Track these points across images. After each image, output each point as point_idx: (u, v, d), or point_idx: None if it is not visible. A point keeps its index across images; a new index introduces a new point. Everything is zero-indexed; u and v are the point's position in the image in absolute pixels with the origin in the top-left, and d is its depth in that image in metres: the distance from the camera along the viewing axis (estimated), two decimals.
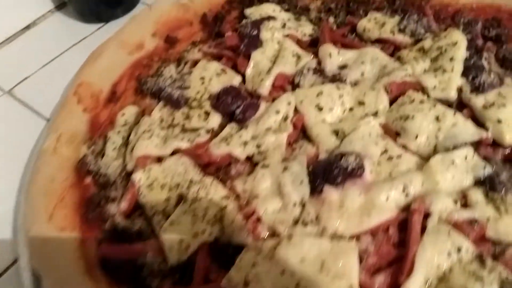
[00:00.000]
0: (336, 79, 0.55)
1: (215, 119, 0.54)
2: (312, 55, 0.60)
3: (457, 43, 0.54)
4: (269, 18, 0.63)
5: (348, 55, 0.58)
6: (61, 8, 0.81)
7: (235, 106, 0.54)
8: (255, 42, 0.60)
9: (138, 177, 0.49)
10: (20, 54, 0.74)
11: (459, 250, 0.39)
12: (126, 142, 0.54)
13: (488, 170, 0.44)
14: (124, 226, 0.47)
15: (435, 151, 0.47)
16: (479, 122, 0.48)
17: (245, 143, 0.51)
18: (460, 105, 0.51)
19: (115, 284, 0.42)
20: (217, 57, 0.62)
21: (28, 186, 0.49)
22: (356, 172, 0.45)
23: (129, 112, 0.58)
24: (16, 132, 0.61)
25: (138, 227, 0.47)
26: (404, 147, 0.48)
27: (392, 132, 0.50)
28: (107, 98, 0.59)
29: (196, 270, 0.43)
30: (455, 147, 0.46)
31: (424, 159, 0.46)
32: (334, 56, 0.58)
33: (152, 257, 0.44)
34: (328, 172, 0.45)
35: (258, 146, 0.50)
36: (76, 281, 0.41)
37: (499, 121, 0.46)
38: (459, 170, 0.44)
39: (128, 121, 0.57)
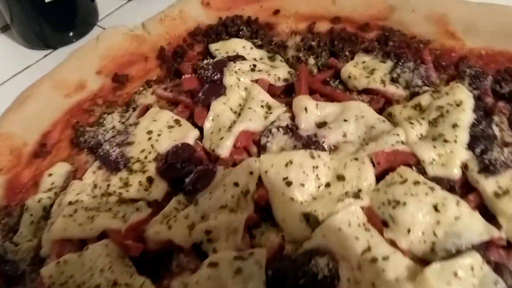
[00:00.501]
0: (311, 141, 0.45)
1: (160, 188, 0.44)
2: (285, 107, 0.49)
3: (462, 103, 0.44)
4: (236, 57, 0.52)
5: (328, 110, 0.48)
6: (4, 30, 0.70)
7: (185, 172, 0.43)
8: (217, 89, 0.50)
9: (49, 273, 0.38)
10: None
11: None
12: (47, 215, 0.43)
13: (500, 286, 0.33)
14: None
15: (432, 251, 0.36)
16: (489, 212, 0.38)
17: (192, 227, 0.40)
18: (465, 185, 0.40)
19: None
20: (171, 103, 0.52)
21: None
22: (329, 283, 0.34)
23: (58, 171, 0.47)
24: None
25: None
26: (393, 243, 0.37)
27: (378, 221, 0.39)
28: (33, 153, 0.48)
29: None
30: (458, 251, 0.35)
31: (418, 262, 0.36)
32: (311, 111, 0.47)
33: None
34: (293, 281, 0.34)
35: (208, 232, 0.39)
36: None
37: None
38: (462, 285, 0.33)
39: (56, 184, 0.46)
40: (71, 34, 0.67)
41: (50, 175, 0.47)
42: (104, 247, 0.39)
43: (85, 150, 0.49)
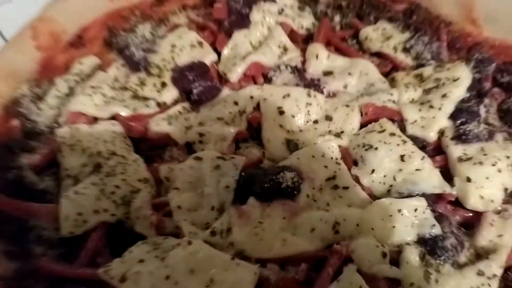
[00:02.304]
0: (312, 84, 0.49)
1: (170, 94, 0.50)
2: (300, 53, 0.53)
3: (458, 80, 0.47)
4: None
5: (337, 62, 0.52)
6: None
7: (195, 85, 0.49)
8: (243, 22, 0.54)
9: (63, 133, 0.44)
10: None
11: None
12: (70, 93, 0.49)
13: (436, 230, 0.38)
14: (30, 181, 0.43)
15: (388, 192, 0.41)
16: (449, 175, 0.41)
17: (189, 128, 0.45)
18: (437, 150, 0.44)
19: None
20: (201, 28, 0.57)
21: None
22: (288, 192, 0.39)
23: (88, 62, 0.53)
24: None
25: (44, 186, 0.43)
26: (357, 179, 0.42)
27: (350, 159, 0.44)
28: (69, 42, 0.54)
29: (85, 249, 0.39)
30: (409, 195, 0.40)
31: (373, 198, 0.40)
32: (321, 59, 0.51)
33: (45, 222, 0.40)
34: (259, 184, 0.39)
35: (202, 135, 0.45)
36: None
37: (468, 180, 0.40)
38: (403, 222, 0.38)
39: (83, 71, 0.53)
40: None
41: (80, 63, 0.53)
42: (111, 125, 0.46)
43: (115, 50, 0.55)
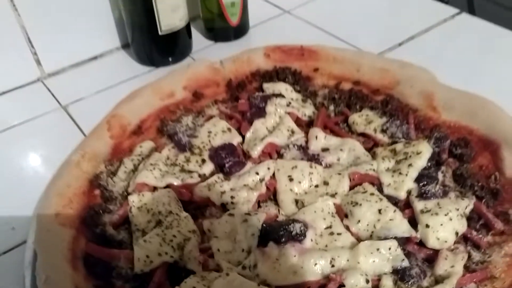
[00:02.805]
0: (314, 158, 0.66)
1: (208, 167, 0.66)
2: (304, 134, 0.71)
3: (421, 153, 0.63)
4: (278, 95, 0.75)
5: (332, 141, 0.69)
6: (125, 47, 0.98)
7: (227, 161, 0.66)
8: (261, 113, 0.72)
9: (133, 199, 0.61)
10: (82, 78, 0.91)
11: None
12: (135, 169, 0.67)
13: (405, 263, 0.52)
14: (110, 234, 0.59)
15: (370, 236, 0.56)
16: (414, 223, 0.57)
17: (223, 193, 0.62)
18: (406, 205, 0.60)
19: (88, 277, 0.54)
20: (229, 117, 0.75)
21: (49, 186, 0.63)
22: (297, 237, 0.54)
23: (146, 146, 0.71)
24: (59, 141, 0.75)
25: (121, 238, 0.59)
26: (347, 227, 0.57)
27: (342, 213, 0.59)
28: (132, 131, 0.72)
29: (152, 282, 0.53)
30: (385, 238, 0.55)
31: (359, 241, 0.55)
32: (320, 139, 0.68)
33: (123, 263, 0.55)
34: (276, 232, 0.55)
35: (233, 198, 0.61)
36: (60, 265, 0.52)
37: (427, 226, 0.55)
38: (381, 258, 0.53)
39: (143, 153, 0.70)
40: (170, 59, 0.92)
41: (140, 146, 0.70)
42: (167, 192, 0.62)
43: (166, 136, 0.73)
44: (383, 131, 0.69)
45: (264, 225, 0.56)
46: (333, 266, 0.52)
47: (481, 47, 0.91)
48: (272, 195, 0.63)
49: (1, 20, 0.82)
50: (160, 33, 0.87)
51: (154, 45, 0.90)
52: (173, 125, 0.73)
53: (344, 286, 0.51)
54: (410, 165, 0.62)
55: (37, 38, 0.87)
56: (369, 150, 0.68)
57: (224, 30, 0.98)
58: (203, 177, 0.65)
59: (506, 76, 0.82)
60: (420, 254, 0.54)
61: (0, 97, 0.88)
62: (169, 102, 0.77)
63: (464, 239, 0.56)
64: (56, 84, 0.90)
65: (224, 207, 0.61)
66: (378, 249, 0.53)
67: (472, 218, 0.57)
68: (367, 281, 0.51)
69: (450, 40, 0.93)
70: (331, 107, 0.75)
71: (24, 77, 0.90)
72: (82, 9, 0.89)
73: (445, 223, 0.55)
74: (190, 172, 0.66)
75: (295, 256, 0.53)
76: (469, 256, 0.54)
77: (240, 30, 0.99)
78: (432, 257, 0.54)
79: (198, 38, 0.99)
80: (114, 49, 0.98)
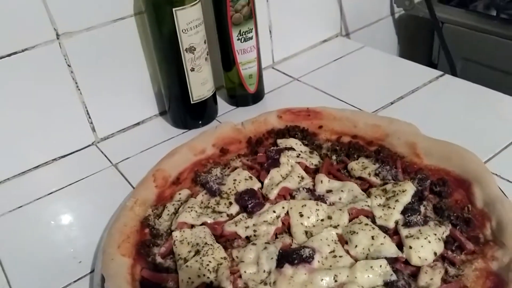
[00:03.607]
0: (320, 198, 0.81)
1: (235, 208, 0.82)
2: (311, 179, 0.87)
3: (406, 191, 0.78)
4: (290, 148, 0.92)
5: (334, 184, 0.84)
6: (162, 114, 1.18)
7: (249, 202, 0.82)
8: (276, 163, 0.89)
9: (176, 234, 0.77)
10: (129, 141, 1.10)
11: None
12: (176, 212, 0.83)
13: (393, 277, 0.65)
14: (159, 262, 0.74)
15: (366, 257, 0.70)
16: (401, 246, 0.71)
17: (247, 228, 0.77)
18: (394, 232, 0.74)
19: None
20: (250, 168, 0.91)
21: (111, 226, 0.79)
22: (307, 259, 0.69)
23: (184, 193, 0.87)
24: (112, 193, 0.93)
25: (168, 265, 0.74)
26: (347, 251, 0.71)
27: (343, 240, 0.73)
28: (172, 181, 0.89)
29: None
30: (378, 258, 0.68)
31: (357, 261, 0.69)
32: (324, 183, 0.84)
33: (171, 285, 0.70)
34: (290, 256, 0.70)
35: (255, 231, 0.76)
36: (123, 286, 0.68)
37: (410, 247, 0.69)
38: (374, 273, 0.66)
39: (182, 199, 0.86)
40: (200, 122, 1.11)
41: (179, 193, 0.87)
42: (203, 228, 0.77)
43: (199, 185, 0.90)
44: (376, 174, 0.84)
45: (280, 251, 0.71)
46: (336, 281, 0.66)
47: (461, 104, 1.08)
48: (286, 229, 0.78)
49: (69, 99, 1.02)
50: (192, 102, 1.07)
51: (187, 112, 1.10)
52: (204, 175, 0.89)
53: None
54: (397, 200, 0.76)
55: (93, 110, 1.07)
56: (365, 190, 0.83)
57: (243, 97, 1.17)
58: (231, 216, 0.81)
59: (480, 127, 0.98)
60: (406, 271, 0.68)
61: (62, 159, 1.07)
62: (201, 157, 0.94)
63: (441, 258, 0.69)
64: (107, 146, 1.09)
65: (248, 239, 0.76)
66: (371, 267, 0.67)
67: (449, 241, 0.71)
68: None
69: (435, 98, 1.10)
70: (334, 157, 0.91)
71: (82, 142, 1.09)
72: (128, 86, 1.10)
73: (425, 245, 0.69)
74: (220, 212, 0.82)
75: (305, 274, 0.67)
76: (446, 271, 0.67)
77: (257, 96, 1.18)
78: (416, 273, 0.67)
79: (222, 104, 1.18)
80: (154, 116, 1.17)
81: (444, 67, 1.28)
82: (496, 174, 0.85)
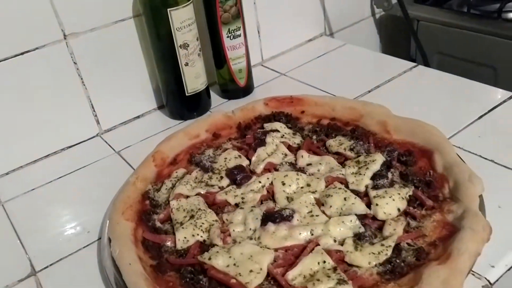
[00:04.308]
0: (300, 170, 0.92)
1: (225, 181, 0.92)
2: (294, 156, 0.97)
3: (376, 160, 0.88)
4: (275, 130, 1.02)
5: (314, 159, 0.94)
6: (160, 108, 1.29)
7: (238, 176, 0.92)
8: (262, 143, 0.99)
9: (173, 203, 0.87)
10: (130, 132, 1.21)
11: (324, 262, 0.70)
12: (173, 187, 0.93)
13: (361, 229, 0.75)
14: (159, 226, 0.84)
15: (339, 216, 0.80)
16: (370, 206, 0.81)
17: (236, 196, 0.87)
18: (365, 195, 0.84)
19: (146, 252, 0.79)
20: (239, 148, 1.02)
21: (115, 198, 0.89)
22: (287, 218, 0.79)
23: (180, 171, 0.97)
24: (116, 174, 1.03)
25: (166, 228, 0.84)
26: (323, 211, 0.82)
27: (320, 203, 0.83)
28: (169, 162, 1.00)
29: (189, 253, 0.78)
30: (349, 214, 0.79)
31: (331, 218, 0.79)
32: (305, 158, 0.94)
33: (169, 244, 0.80)
34: (273, 216, 0.80)
35: (243, 198, 0.86)
36: (127, 244, 0.78)
37: (377, 205, 0.79)
38: (345, 227, 0.76)
39: (178, 176, 0.96)
40: (195, 113, 1.21)
41: (176, 172, 0.97)
42: (197, 197, 0.88)
43: (194, 164, 1.00)
44: (351, 149, 0.95)
45: (264, 212, 0.81)
46: (312, 234, 0.76)
47: (432, 90, 1.18)
48: (271, 196, 0.88)
49: (75, 94, 1.13)
50: (187, 94, 1.18)
51: (183, 104, 1.20)
52: (199, 156, 1.00)
53: (319, 245, 0.74)
54: (367, 168, 0.87)
55: (97, 104, 1.18)
56: (341, 163, 0.93)
57: (234, 91, 1.28)
58: (222, 188, 0.91)
59: (448, 108, 1.08)
60: (373, 225, 0.78)
61: (69, 149, 1.17)
62: (196, 141, 1.04)
63: (404, 214, 0.79)
64: (111, 137, 1.20)
65: (237, 206, 0.86)
66: (343, 222, 0.77)
67: (411, 200, 0.81)
68: (335, 241, 0.74)
69: (408, 85, 1.21)
70: (314, 137, 1.02)
71: (88, 133, 1.20)
72: (128, 82, 1.21)
73: (390, 202, 0.79)
74: (212, 185, 0.92)
75: (286, 230, 0.78)
76: (408, 224, 0.77)
77: (247, 90, 1.29)
78: (382, 226, 0.77)
79: (215, 98, 1.29)
80: (152, 110, 1.28)
81: (421, 61, 1.39)
82: (459, 147, 0.95)
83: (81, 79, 1.14)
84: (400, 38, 1.69)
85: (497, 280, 0.70)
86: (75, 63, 1.11)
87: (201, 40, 1.17)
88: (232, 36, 1.19)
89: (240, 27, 1.19)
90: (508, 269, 0.71)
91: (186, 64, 1.14)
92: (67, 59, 1.10)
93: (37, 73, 1.07)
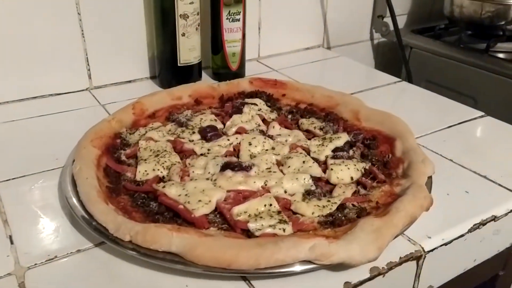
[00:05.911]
0: (269, 136, 0.96)
1: (196, 137, 0.96)
2: (267, 127, 1.01)
3: (340, 138, 0.92)
4: (254, 104, 1.07)
5: (284, 131, 0.99)
6: (153, 78, 1.34)
7: (210, 134, 0.96)
8: (239, 111, 1.04)
9: (142, 143, 0.91)
10: (119, 92, 1.26)
11: (270, 205, 0.74)
12: (145, 133, 0.97)
13: (313, 188, 0.79)
14: (123, 159, 0.88)
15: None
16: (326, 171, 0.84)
17: (202, 147, 0.91)
18: (324, 163, 0.88)
19: (106, 177, 0.82)
20: (217, 115, 1.06)
21: (87, 131, 0.93)
22: (246, 168, 0.82)
23: (156, 124, 1.01)
24: (97, 120, 1.07)
25: (130, 162, 0.88)
26: (281, 170, 0.85)
27: (280, 164, 0.87)
28: (148, 115, 1.04)
29: (146, 185, 0.81)
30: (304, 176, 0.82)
31: None
32: (276, 129, 0.99)
33: (129, 174, 0.84)
34: (232, 165, 0.83)
35: (209, 150, 0.90)
36: (89, 165, 0.81)
37: (332, 170, 0.83)
38: (298, 183, 0.80)
39: (154, 127, 1.01)
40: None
41: (152, 124, 1.02)
42: (166, 142, 0.92)
43: (171, 121, 1.04)
44: (321, 129, 0.99)
45: (225, 161, 0.85)
46: (266, 184, 0.80)
47: (409, 102, 1.24)
48: (236, 154, 0.92)
49: (71, 42, 1.19)
50: (179, 64, 1.23)
51: (174, 75, 1.26)
52: (177, 115, 1.04)
53: (269, 192, 0.77)
54: (331, 141, 0.91)
55: (93, 59, 1.23)
56: (309, 139, 0.97)
57: (226, 74, 1.34)
58: (192, 142, 0.95)
59: (421, 116, 1.13)
60: (325, 188, 0.81)
61: (57, 96, 1.22)
62: (177, 102, 1.09)
63: (357, 183, 0.83)
64: (99, 93, 1.25)
65: (202, 155, 0.90)
66: (297, 178, 0.80)
67: (366, 173, 0.84)
68: (285, 192, 0.78)
69: (388, 96, 1.27)
70: (289, 116, 1.07)
71: (77, 85, 1.25)
72: (127, 46, 1.28)
73: (344, 170, 0.83)
74: (183, 138, 0.96)
75: (242, 177, 0.81)
76: (358, 192, 0.81)
77: (238, 75, 1.35)
78: (333, 190, 0.81)
79: (206, 78, 1.35)
80: (145, 78, 1.34)
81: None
82: (423, 146, 0.99)
83: (82, 30, 1.19)
84: (393, 64, 1.77)
85: (431, 250, 0.72)
86: (79, 13, 1.18)
87: (202, 29, 1.24)
88: (231, 19, 1.26)
89: (240, 12, 1.26)
90: (444, 243, 0.74)
91: (183, 35, 1.20)
92: (73, 10, 1.17)
93: (43, 16, 1.13)
